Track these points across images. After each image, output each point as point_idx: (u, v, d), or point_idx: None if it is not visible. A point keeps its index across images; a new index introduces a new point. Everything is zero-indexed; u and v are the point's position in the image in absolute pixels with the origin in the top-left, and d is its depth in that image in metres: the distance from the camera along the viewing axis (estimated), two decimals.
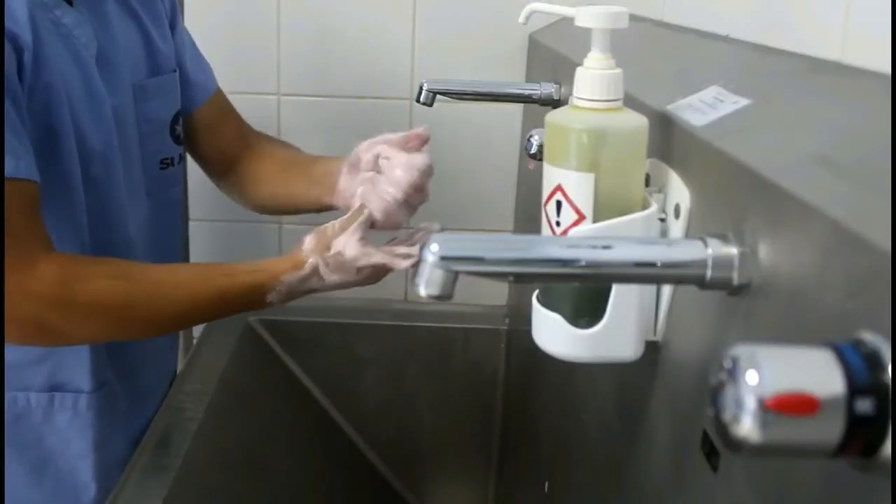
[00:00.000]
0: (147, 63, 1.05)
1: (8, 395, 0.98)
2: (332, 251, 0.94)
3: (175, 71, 1.10)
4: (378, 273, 0.96)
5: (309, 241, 0.95)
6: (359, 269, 0.95)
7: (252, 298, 0.94)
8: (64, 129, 0.89)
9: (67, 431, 1.01)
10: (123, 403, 1.06)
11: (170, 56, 1.09)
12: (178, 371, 1.24)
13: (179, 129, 1.10)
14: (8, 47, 0.82)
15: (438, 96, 1.14)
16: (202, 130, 1.16)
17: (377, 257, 0.94)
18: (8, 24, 0.83)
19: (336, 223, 0.96)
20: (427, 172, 1.00)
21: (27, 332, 0.88)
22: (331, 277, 0.95)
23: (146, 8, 1.06)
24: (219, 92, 1.19)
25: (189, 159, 1.35)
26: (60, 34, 0.91)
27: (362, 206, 0.98)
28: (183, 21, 1.34)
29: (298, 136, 1.43)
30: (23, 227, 0.84)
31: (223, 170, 1.20)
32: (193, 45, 1.17)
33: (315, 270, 0.94)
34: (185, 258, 1.46)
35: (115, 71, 0.98)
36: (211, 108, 1.17)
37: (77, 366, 0.99)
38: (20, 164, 0.83)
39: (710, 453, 0.50)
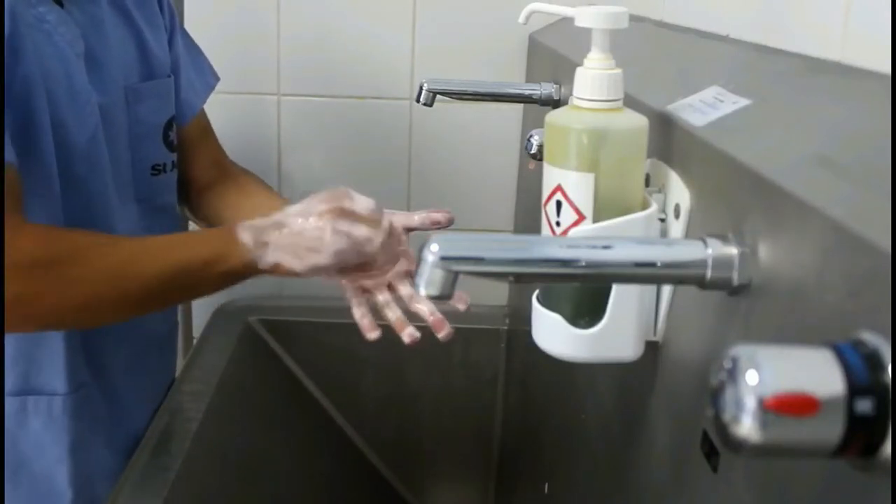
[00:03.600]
0: (141, 67, 1.04)
1: None
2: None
3: (170, 76, 1.09)
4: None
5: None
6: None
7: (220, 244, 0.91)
8: (41, 120, 0.88)
9: (42, 435, 0.99)
10: (102, 408, 1.05)
11: (165, 61, 1.08)
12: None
13: (173, 135, 1.09)
14: None
15: (438, 96, 1.14)
16: (181, 149, 1.14)
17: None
18: None
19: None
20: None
21: (17, 310, 0.84)
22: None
23: (143, 13, 1.05)
24: (202, 113, 1.17)
25: None
26: (43, 30, 0.90)
27: None
28: (183, 22, 1.34)
29: (298, 136, 1.43)
30: (9, 209, 0.83)
31: (194, 193, 1.17)
32: (189, 62, 1.15)
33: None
34: None
35: (105, 71, 0.98)
36: (192, 129, 1.15)
37: (51, 367, 0.97)
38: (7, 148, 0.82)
39: (710, 453, 0.50)
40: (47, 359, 0.98)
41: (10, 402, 0.97)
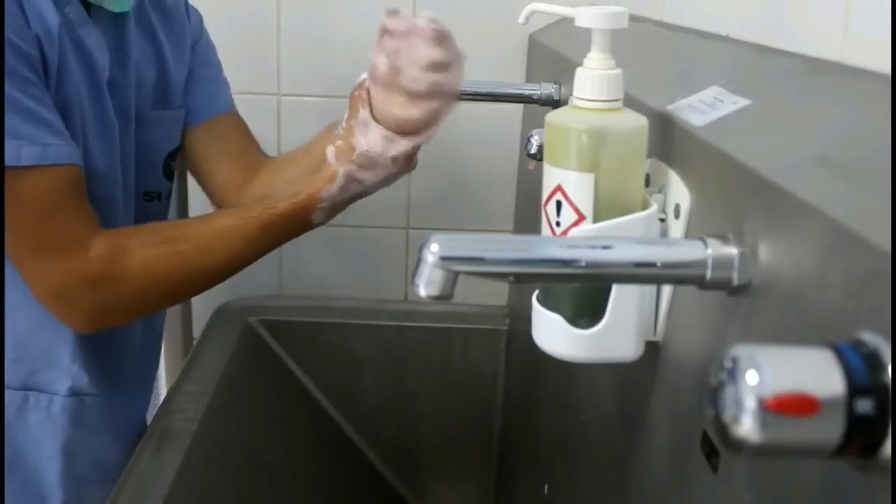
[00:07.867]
0: (156, 93, 1.04)
1: None
2: (357, 152, 0.91)
3: (181, 108, 1.08)
4: (412, 155, 0.93)
5: (331, 153, 0.92)
6: (393, 159, 0.92)
7: (297, 223, 0.94)
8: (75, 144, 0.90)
9: (38, 431, 1.00)
10: (103, 419, 1.05)
11: (180, 89, 1.07)
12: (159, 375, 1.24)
13: (174, 165, 1.09)
14: (37, 48, 0.84)
15: None
16: (197, 155, 1.12)
17: (403, 143, 0.91)
18: (38, 30, 0.85)
19: (344, 123, 0.93)
20: (441, 36, 0.91)
21: (91, 317, 0.91)
22: (367, 176, 0.92)
23: (170, 33, 1.04)
24: (230, 115, 1.14)
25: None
26: (81, 53, 0.91)
27: (359, 92, 0.92)
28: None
29: (299, 137, 1.43)
30: (71, 210, 0.86)
31: (232, 195, 1.12)
32: (212, 65, 1.13)
33: (350, 177, 0.92)
34: None
35: (122, 96, 0.98)
36: (209, 131, 1.12)
37: (54, 370, 0.99)
38: (62, 149, 0.85)
39: (710, 453, 0.50)
40: (51, 362, 1.00)
41: (11, 395, 0.99)
